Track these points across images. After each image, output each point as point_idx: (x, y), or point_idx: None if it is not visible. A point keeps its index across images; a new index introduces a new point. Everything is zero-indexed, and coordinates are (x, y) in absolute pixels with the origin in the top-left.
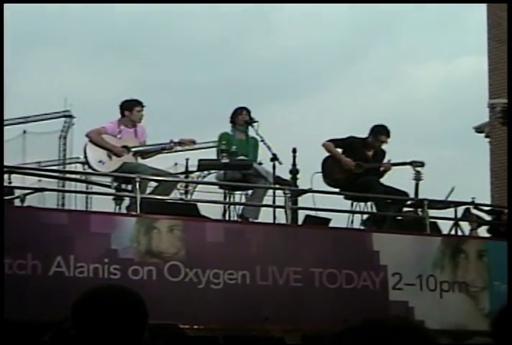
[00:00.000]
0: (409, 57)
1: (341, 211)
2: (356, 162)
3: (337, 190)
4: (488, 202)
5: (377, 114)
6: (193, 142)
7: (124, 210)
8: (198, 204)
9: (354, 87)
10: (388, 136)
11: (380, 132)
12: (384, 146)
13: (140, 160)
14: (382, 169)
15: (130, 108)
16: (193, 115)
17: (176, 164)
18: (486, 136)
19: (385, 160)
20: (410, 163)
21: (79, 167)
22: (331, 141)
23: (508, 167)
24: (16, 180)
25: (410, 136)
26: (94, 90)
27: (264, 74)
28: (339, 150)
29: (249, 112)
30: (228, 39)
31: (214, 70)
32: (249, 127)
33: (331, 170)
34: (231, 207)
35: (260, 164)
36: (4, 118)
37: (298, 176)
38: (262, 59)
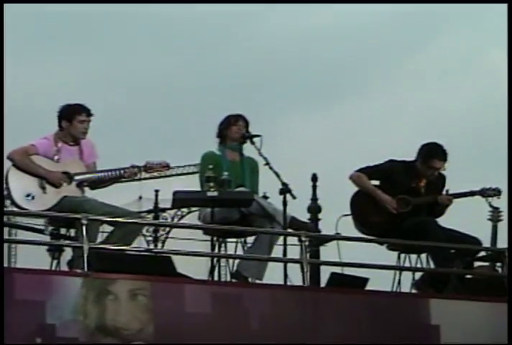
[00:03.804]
0: (495, 39)
1: (383, 267)
2: (400, 197)
3: (374, 238)
4: None
5: (444, 123)
6: (166, 166)
7: (64, 267)
8: (174, 257)
9: (411, 85)
10: (443, 159)
11: (430, 154)
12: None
13: (88, 193)
14: (440, 203)
15: (69, 116)
16: (166, 127)
17: (141, 198)
18: None
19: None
20: (480, 192)
21: None
22: (361, 171)
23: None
24: None
25: (492, 154)
26: (26, 86)
27: (276, 66)
28: (375, 183)
29: (247, 123)
30: (225, 17)
31: (201, 61)
32: (247, 144)
33: (364, 211)
34: (223, 261)
35: (265, 197)
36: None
37: (320, 216)
38: (275, 45)
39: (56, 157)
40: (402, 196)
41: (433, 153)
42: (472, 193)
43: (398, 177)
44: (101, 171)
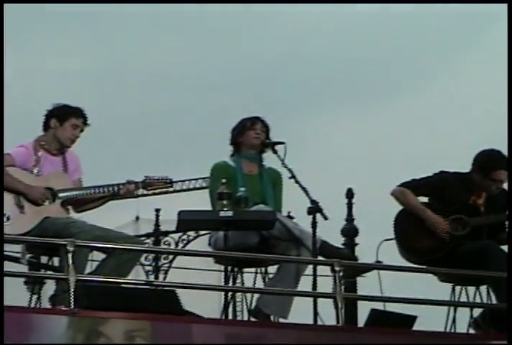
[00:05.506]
0: None
1: (433, 303)
2: (454, 217)
3: (424, 266)
4: None
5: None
6: (168, 183)
7: (46, 304)
8: (179, 291)
9: (465, 87)
10: (507, 168)
11: (494, 164)
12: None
13: (75, 213)
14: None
15: (63, 116)
16: (168, 134)
17: (138, 218)
18: None
19: None
20: None
21: None
22: (405, 185)
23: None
24: None
25: None
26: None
27: (309, 61)
28: (423, 200)
29: (266, 127)
30: (249, 10)
31: (217, 56)
32: (268, 153)
33: (410, 234)
34: (239, 296)
35: (290, 217)
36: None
37: (357, 240)
38: (307, 33)
39: (36, 170)
40: (457, 216)
41: (497, 163)
42: None
43: (452, 193)
44: (91, 187)
